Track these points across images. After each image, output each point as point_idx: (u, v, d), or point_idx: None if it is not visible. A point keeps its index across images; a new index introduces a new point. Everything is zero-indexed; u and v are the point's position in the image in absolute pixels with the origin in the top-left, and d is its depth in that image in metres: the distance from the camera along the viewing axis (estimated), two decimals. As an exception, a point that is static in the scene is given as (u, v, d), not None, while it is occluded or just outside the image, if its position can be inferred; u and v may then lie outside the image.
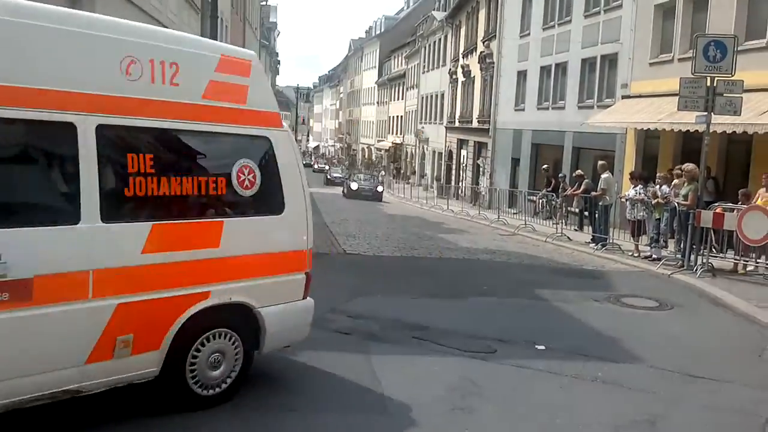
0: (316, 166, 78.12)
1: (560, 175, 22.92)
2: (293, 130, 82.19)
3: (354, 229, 18.27)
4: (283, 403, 5.34)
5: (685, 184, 12.96)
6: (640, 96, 19.85)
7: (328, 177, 53.22)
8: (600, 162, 17.41)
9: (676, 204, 12.97)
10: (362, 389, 5.77)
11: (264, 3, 52.00)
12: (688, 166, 13.21)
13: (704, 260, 12.16)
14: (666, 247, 13.91)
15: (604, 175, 16.36)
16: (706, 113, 12.31)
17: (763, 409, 5.78)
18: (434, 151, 48.80)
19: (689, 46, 16.74)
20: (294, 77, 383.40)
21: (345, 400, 5.54)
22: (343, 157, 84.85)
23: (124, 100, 4.51)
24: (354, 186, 36.69)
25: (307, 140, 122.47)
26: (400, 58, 65.48)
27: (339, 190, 40.78)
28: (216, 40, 11.56)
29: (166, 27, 15.88)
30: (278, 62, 75.75)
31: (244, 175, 5.15)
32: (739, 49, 12.74)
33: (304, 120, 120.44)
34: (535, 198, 23.98)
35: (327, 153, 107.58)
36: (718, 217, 11.88)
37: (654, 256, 13.74)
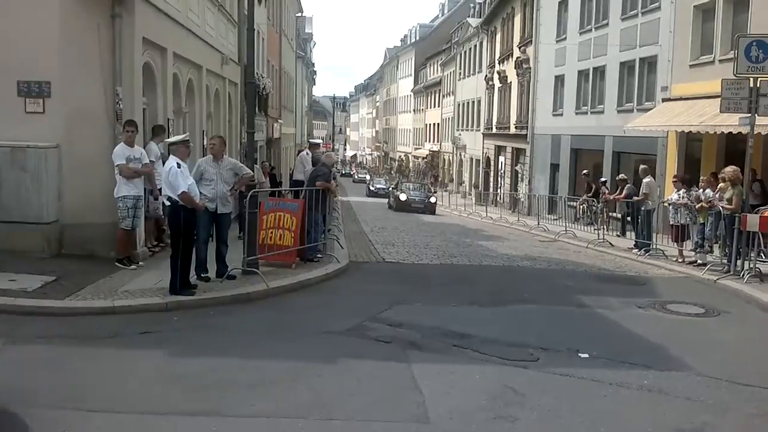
0: (356, 177, 76.41)
1: (602, 180, 22.66)
2: (330, 139, 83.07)
3: (392, 237, 18.27)
4: (323, 412, 5.36)
5: (729, 188, 12.69)
6: (680, 98, 19.52)
7: (371, 188, 50.70)
8: (642, 166, 17.19)
9: (721, 208, 12.71)
10: (404, 398, 5.76)
11: (300, 14, 52.48)
12: (729, 169, 12.94)
13: (751, 265, 11.88)
14: (711, 252, 13.64)
15: (646, 180, 16.14)
16: (749, 115, 12.06)
17: (816, 418, 5.62)
18: (471, 158, 48.66)
19: (730, 46, 16.44)
20: (330, 87, 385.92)
21: (387, 408, 5.52)
22: (389, 166, 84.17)
23: None
24: (403, 197, 33.27)
25: (345, 149, 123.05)
26: (435, 65, 65.50)
27: (383, 201, 38.86)
28: (252, 52, 11.72)
29: (205, 41, 16.14)
30: (314, 72, 76.35)
31: None
32: (782, 48, 12.46)
33: (341, 129, 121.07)
34: (575, 204, 23.75)
35: (364, 162, 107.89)
36: (765, 220, 11.60)
37: (699, 261, 13.48)
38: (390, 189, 39.43)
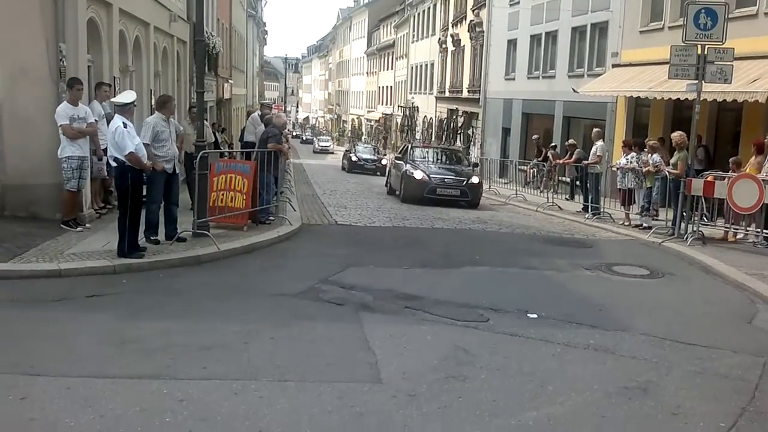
0: (318, 146, 61.84)
1: (551, 144, 22.93)
2: (282, 101, 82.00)
3: (345, 200, 18.23)
4: (276, 374, 5.36)
5: (675, 153, 12.97)
6: (630, 64, 19.78)
7: (353, 158, 35.68)
8: (595, 129, 17.40)
9: (667, 172, 12.99)
10: (356, 359, 5.79)
11: (251, -28, 51.29)
12: (676, 134, 13.22)
13: (695, 228, 12.21)
14: (657, 215, 13.97)
15: (599, 143, 16.34)
16: (696, 81, 12.27)
17: (753, 375, 5.84)
18: (424, 122, 48.63)
19: (680, 13, 16.66)
20: (282, 47, 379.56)
21: (339, 370, 5.55)
22: (341, 128, 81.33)
23: None
24: (418, 175, 18.44)
25: (297, 111, 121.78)
26: (389, 27, 64.91)
27: (374, 180, 27.17)
28: (202, 10, 11.42)
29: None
30: (266, 32, 74.98)
31: None
32: (729, 16, 12.66)
33: (293, 91, 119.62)
34: (526, 168, 24.00)
35: (317, 124, 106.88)
36: (709, 185, 11.91)
37: (645, 224, 13.81)
38: (391, 160, 23.89)
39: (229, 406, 4.74)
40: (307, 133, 77.25)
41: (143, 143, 9.27)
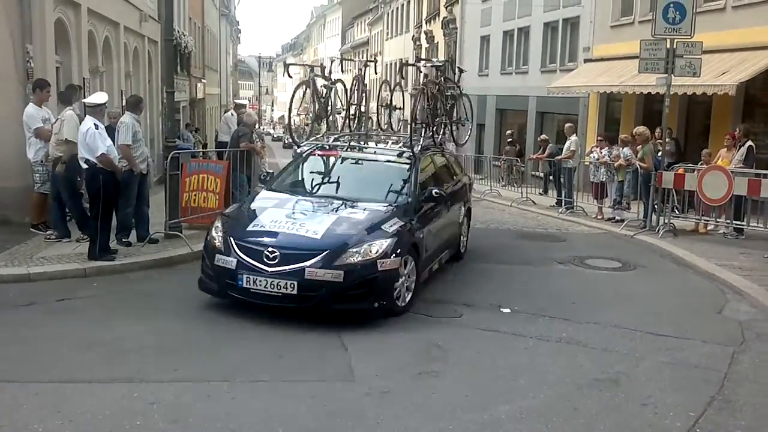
0: None
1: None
2: (257, 100, 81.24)
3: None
4: (248, 374, 5.35)
5: (640, 147, 13.10)
6: (602, 59, 19.92)
7: None
8: (567, 125, 17.44)
9: (638, 166, 13.11)
10: (330, 358, 5.79)
11: (223, -30, 50.86)
12: (639, 129, 13.33)
13: (666, 221, 12.34)
14: (629, 208, 14.10)
15: (573, 138, 16.36)
16: (666, 75, 12.39)
17: (722, 364, 5.92)
18: (399, 119, 48.53)
19: (649, 8, 16.82)
20: (256, 46, 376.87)
21: (313, 368, 5.54)
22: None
23: None
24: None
25: (272, 110, 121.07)
26: (363, 24, 64.84)
27: None
28: (172, 9, 11.33)
29: (121, -4, 15.51)
30: (239, 31, 74.43)
31: None
32: (698, 10, 12.81)
33: (267, 90, 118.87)
34: (500, 163, 24.11)
35: (294, 123, 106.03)
36: (679, 177, 12.05)
37: (617, 217, 13.93)
38: None
39: (201, 408, 4.72)
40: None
41: (125, 144, 9.21)
